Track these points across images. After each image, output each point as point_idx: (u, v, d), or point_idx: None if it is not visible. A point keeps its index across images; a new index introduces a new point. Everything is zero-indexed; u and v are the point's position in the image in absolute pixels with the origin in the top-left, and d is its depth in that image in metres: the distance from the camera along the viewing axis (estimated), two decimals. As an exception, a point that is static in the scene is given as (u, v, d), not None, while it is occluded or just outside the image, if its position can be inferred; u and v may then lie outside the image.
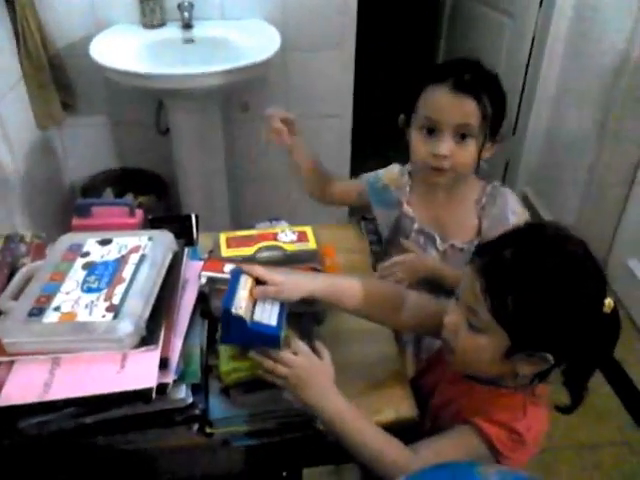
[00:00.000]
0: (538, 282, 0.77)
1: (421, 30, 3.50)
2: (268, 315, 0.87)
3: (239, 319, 0.83)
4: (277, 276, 0.90)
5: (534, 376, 0.84)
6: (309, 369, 0.85)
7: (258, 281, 0.90)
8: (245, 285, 0.88)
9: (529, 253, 0.79)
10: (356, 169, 2.71)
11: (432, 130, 1.11)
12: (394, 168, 1.33)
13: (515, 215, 1.18)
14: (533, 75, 2.48)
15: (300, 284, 0.91)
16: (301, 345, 0.87)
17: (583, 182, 2.33)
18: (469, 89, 1.07)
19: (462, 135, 1.10)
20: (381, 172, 1.34)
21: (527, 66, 2.49)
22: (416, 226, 1.25)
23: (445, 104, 1.08)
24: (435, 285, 1.19)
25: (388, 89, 3.68)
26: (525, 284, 0.77)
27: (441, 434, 0.90)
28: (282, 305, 0.90)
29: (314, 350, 0.91)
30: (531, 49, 2.45)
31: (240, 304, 0.84)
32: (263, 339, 0.86)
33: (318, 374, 0.86)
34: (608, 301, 0.80)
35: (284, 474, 1.09)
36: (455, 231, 1.22)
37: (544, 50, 2.40)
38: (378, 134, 3.40)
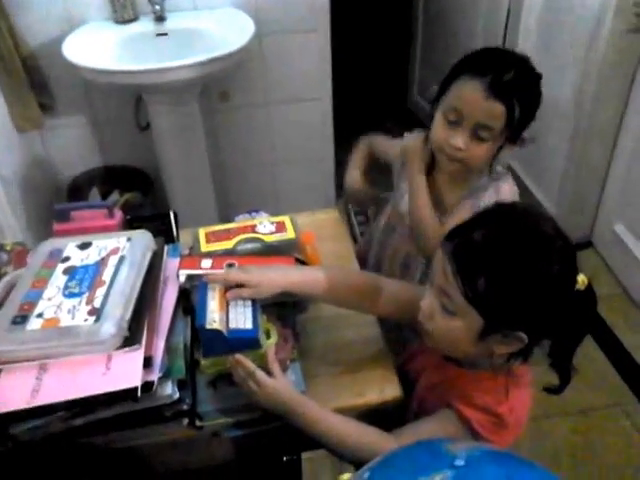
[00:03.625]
0: (508, 262, 0.77)
1: (398, 7, 3.47)
2: (243, 319, 0.89)
3: (216, 332, 0.85)
4: (252, 277, 0.92)
5: (510, 356, 0.85)
6: (267, 388, 0.87)
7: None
8: (214, 296, 0.90)
9: (498, 234, 0.80)
10: (341, 152, 2.72)
11: (454, 120, 1.10)
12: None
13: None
14: (511, 39, 2.47)
15: (274, 280, 0.93)
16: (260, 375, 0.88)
17: (566, 150, 2.34)
18: (503, 93, 1.04)
19: (481, 133, 1.08)
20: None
21: (504, 38, 2.48)
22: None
23: (474, 101, 1.06)
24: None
25: (368, 68, 3.68)
26: (495, 265, 0.78)
27: (423, 419, 0.92)
28: (254, 303, 0.92)
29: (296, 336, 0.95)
30: (507, 22, 2.44)
31: (213, 318, 0.86)
32: (243, 344, 0.88)
33: (276, 392, 0.88)
34: (582, 278, 0.80)
35: (284, 459, 1.11)
36: (449, 213, 1.21)
37: (519, 22, 2.40)
38: (363, 115, 3.42)
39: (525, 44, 2.44)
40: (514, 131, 1.09)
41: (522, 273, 0.77)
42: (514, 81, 1.05)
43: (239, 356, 0.88)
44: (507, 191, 1.17)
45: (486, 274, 0.78)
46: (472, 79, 1.06)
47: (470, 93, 1.06)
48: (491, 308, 0.79)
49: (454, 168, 1.16)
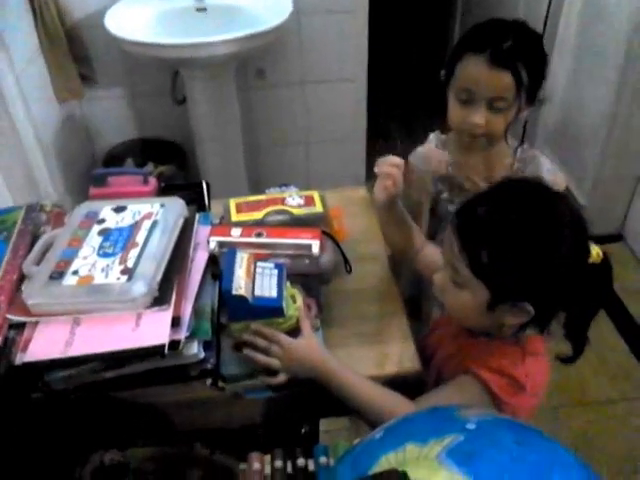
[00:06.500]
0: (509, 235, 0.79)
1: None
2: (268, 287, 0.92)
3: (240, 298, 0.88)
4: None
5: (522, 326, 0.87)
6: (296, 351, 0.92)
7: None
8: (241, 263, 0.93)
9: (501, 208, 0.82)
10: (374, 133, 2.73)
11: (467, 99, 1.13)
12: (431, 142, 1.36)
13: (550, 174, 1.20)
14: (551, 30, 2.43)
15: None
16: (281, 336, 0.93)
17: (602, 140, 2.31)
18: (506, 62, 1.07)
19: (496, 105, 1.11)
20: (419, 149, 1.36)
21: (546, 20, 2.44)
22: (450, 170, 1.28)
23: (481, 77, 1.09)
24: None
25: (406, 50, 3.66)
26: (496, 237, 0.80)
27: (442, 386, 0.94)
28: (280, 273, 0.95)
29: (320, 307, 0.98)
30: (547, 12, 2.40)
31: (239, 284, 0.89)
32: (267, 312, 0.91)
33: (306, 352, 0.92)
34: (596, 251, 0.82)
35: (303, 431, 1.14)
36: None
37: (560, 13, 2.36)
38: (397, 98, 3.41)
39: (565, 34, 2.40)
40: (528, 93, 1.11)
41: (523, 246, 0.79)
42: (514, 48, 1.07)
43: (256, 326, 0.92)
44: (551, 169, 1.22)
45: (488, 247, 0.80)
46: (474, 56, 1.09)
47: (475, 70, 1.09)
48: (495, 280, 0.82)
49: (478, 144, 1.19)
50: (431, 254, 1.10)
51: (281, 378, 0.93)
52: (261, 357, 0.92)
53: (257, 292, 0.91)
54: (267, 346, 0.92)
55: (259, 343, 0.92)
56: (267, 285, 0.93)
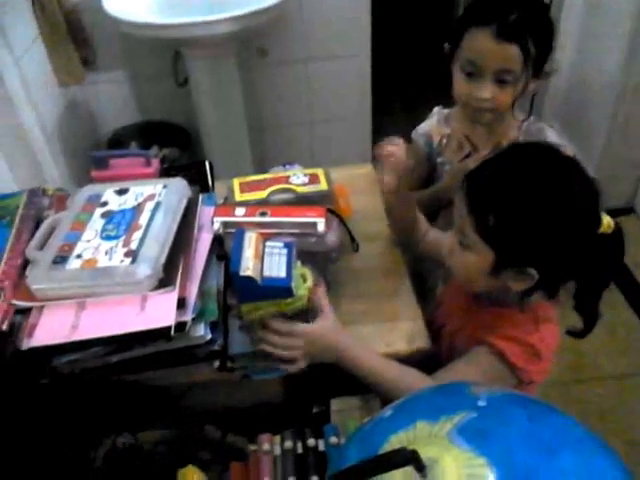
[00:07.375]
0: (515, 198, 0.79)
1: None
2: (277, 267, 0.90)
3: (249, 279, 0.87)
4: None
5: (523, 293, 0.86)
6: (316, 334, 0.91)
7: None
8: (250, 243, 0.91)
9: (508, 171, 0.82)
10: (379, 110, 2.70)
11: (473, 72, 1.12)
12: (433, 117, 1.35)
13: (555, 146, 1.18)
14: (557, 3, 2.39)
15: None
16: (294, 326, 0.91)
17: (611, 112, 2.27)
18: (513, 34, 1.05)
19: (503, 77, 1.10)
20: (422, 125, 1.36)
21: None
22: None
23: (487, 50, 1.08)
24: None
25: (410, 23, 3.60)
26: (503, 200, 0.80)
27: (457, 359, 0.93)
28: (290, 253, 0.93)
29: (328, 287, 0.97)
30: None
31: (247, 265, 0.87)
32: (276, 292, 0.89)
33: (324, 335, 0.91)
34: (607, 221, 0.80)
35: (314, 411, 1.14)
36: None
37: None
38: (402, 73, 3.36)
39: (572, 5, 2.35)
40: (535, 66, 1.10)
41: (530, 210, 0.78)
42: (521, 20, 1.06)
43: (276, 324, 0.90)
44: (557, 142, 1.19)
45: (495, 210, 0.80)
46: (480, 29, 1.07)
47: (482, 43, 1.08)
48: (501, 243, 0.81)
49: (485, 118, 1.18)
50: (436, 237, 1.10)
51: (300, 364, 0.92)
52: (281, 352, 0.91)
53: (266, 272, 0.89)
54: (285, 343, 0.90)
55: (277, 342, 0.90)
56: (276, 265, 0.91)
